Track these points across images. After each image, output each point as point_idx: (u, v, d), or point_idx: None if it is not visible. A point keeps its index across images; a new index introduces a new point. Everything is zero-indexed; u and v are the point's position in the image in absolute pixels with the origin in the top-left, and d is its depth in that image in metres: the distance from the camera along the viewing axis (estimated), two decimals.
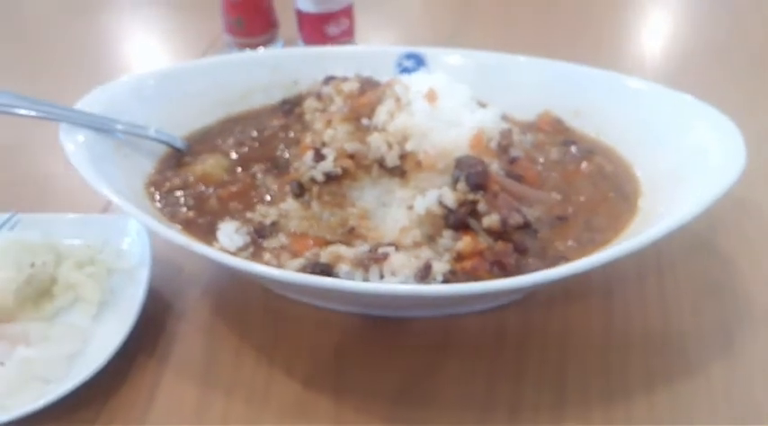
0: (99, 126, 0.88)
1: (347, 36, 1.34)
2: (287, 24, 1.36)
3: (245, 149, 0.95)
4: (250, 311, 0.85)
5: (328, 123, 0.84)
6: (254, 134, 0.97)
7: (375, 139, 0.81)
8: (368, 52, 1.07)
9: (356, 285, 0.69)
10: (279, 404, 0.74)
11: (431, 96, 0.83)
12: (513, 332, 0.80)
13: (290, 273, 0.70)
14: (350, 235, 0.80)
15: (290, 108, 1.01)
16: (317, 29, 1.32)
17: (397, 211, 0.81)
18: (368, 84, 0.90)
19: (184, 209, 0.85)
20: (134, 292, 0.81)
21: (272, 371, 0.78)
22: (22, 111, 0.86)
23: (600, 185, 0.86)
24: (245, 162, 0.93)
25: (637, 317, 0.81)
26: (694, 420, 0.71)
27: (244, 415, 0.73)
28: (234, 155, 0.94)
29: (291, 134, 0.96)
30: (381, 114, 0.83)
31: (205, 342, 0.81)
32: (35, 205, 0.98)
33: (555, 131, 0.95)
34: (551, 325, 0.81)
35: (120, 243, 0.89)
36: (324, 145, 0.83)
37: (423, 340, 0.80)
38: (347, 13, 1.31)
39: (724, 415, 0.71)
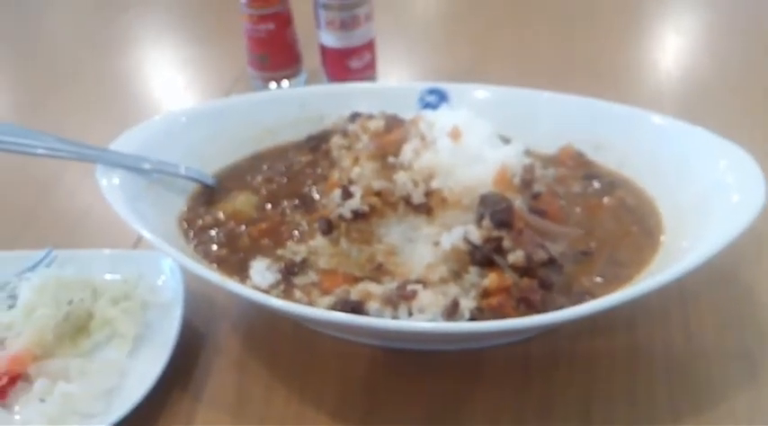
0: (132, 165, 0.91)
1: (369, 69, 1.37)
2: (310, 57, 1.39)
3: (274, 186, 0.97)
4: (280, 345, 0.87)
5: (355, 161, 0.87)
6: (282, 170, 1.00)
7: (401, 177, 0.83)
8: (391, 88, 1.10)
9: (387, 323, 0.71)
10: None
11: (455, 134, 0.85)
12: (538, 363, 0.82)
13: (321, 311, 0.73)
14: (378, 272, 0.82)
15: (317, 144, 1.03)
16: (339, 62, 1.34)
17: (424, 247, 0.82)
18: (393, 122, 0.92)
19: (216, 247, 0.88)
20: (168, 327, 0.83)
21: (303, 404, 0.80)
22: (61, 154, 0.88)
23: (623, 219, 0.88)
24: (273, 198, 0.95)
25: (661, 348, 0.83)
26: None
27: None
28: (263, 192, 0.96)
29: (319, 170, 0.98)
30: (407, 152, 0.85)
31: (237, 376, 0.83)
32: (70, 241, 1.00)
33: (577, 165, 0.97)
34: (577, 357, 0.82)
35: (154, 278, 0.91)
36: (351, 182, 0.85)
37: (449, 372, 0.81)
38: (369, 47, 1.34)
39: None
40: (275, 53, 1.38)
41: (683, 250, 0.76)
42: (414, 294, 0.75)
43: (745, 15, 1.60)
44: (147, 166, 0.92)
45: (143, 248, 1.00)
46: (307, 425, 0.78)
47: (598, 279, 0.80)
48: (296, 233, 0.89)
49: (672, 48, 1.51)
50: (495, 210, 0.78)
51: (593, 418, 0.76)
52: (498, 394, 0.79)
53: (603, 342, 0.83)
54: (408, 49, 1.59)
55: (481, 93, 1.06)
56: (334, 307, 0.75)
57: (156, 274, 0.92)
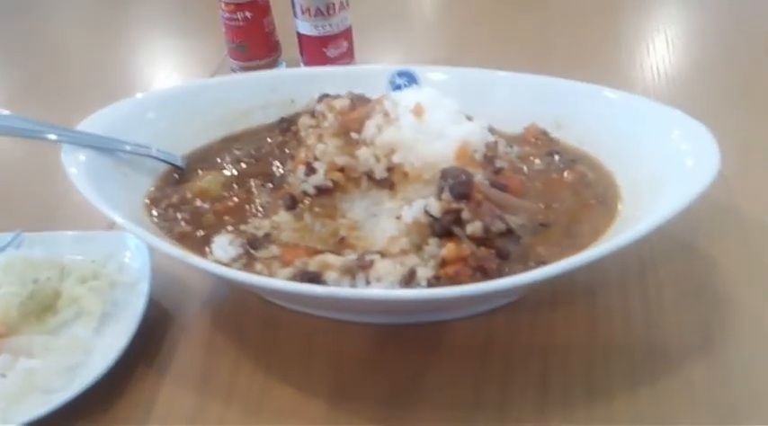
0: (100, 146, 0.91)
1: (347, 57, 1.38)
2: (289, 46, 1.40)
3: (242, 166, 0.98)
4: (247, 322, 0.87)
5: (319, 138, 0.88)
6: (252, 151, 1.00)
7: (363, 153, 0.84)
8: (362, 71, 1.11)
9: (341, 291, 0.72)
10: (274, 410, 0.77)
11: (418, 110, 0.86)
12: (500, 336, 0.82)
13: (278, 281, 0.73)
14: (340, 245, 0.83)
15: (287, 126, 1.04)
16: (317, 51, 1.35)
17: (386, 221, 0.83)
18: (359, 101, 0.93)
19: (182, 224, 0.88)
20: (135, 305, 0.84)
21: (269, 379, 0.80)
22: (26, 134, 0.89)
23: (582, 193, 0.88)
24: (242, 178, 0.96)
25: (620, 319, 0.83)
26: (676, 419, 0.72)
27: (240, 421, 0.76)
28: (231, 172, 0.97)
29: (287, 151, 0.98)
30: (370, 128, 0.86)
31: (204, 353, 0.84)
32: (41, 224, 1.01)
33: (541, 143, 0.97)
34: (537, 329, 0.83)
35: (122, 258, 0.92)
36: (315, 159, 0.86)
37: (413, 345, 0.82)
38: (346, 35, 1.35)
39: (705, 414, 0.72)
40: (253, 42, 1.39)
41: (638, 219, 0.77)
42: (371, 263, 0.76)
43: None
44: (119, 147, 0.93)
45: (117, 231, 1.00)
46: (272, 400, 0.78)
47: (555, 249, 0.80)
48: (260, 209, 0.90)
49: (651, 34, 1.52)
50: (454, 183, 0.78)
51: (550, 387, 0.76)
52: (460, 364, 0.80)
53: (563, 313, 0.84)
54: (387, 39, 1.60)
55: (450, 75, 1.06)
56: (292, 278, 0.76)
57: (125, 254, 0.92)
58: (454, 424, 0.74)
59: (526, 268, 0.76)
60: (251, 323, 0.87)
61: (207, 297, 0.91)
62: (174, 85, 1.12)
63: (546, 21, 1.60)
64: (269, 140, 1.02)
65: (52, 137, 0.90)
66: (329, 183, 0.84)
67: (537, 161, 0.94)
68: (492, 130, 0.93)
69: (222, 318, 0.89)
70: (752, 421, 0.71)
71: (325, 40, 1.33)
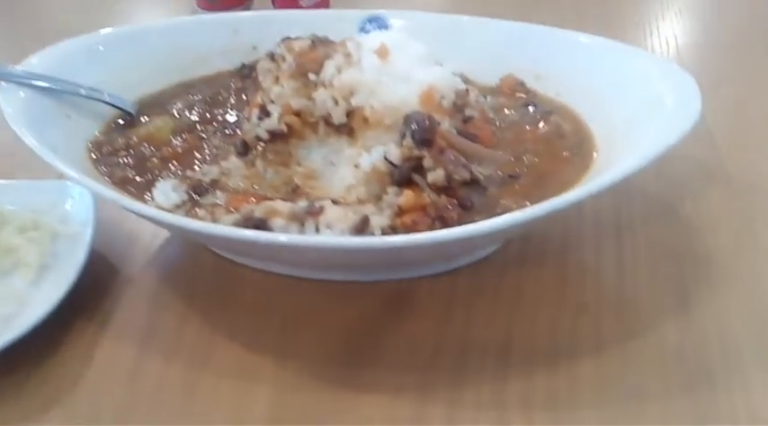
0: (42, 85, 0.85)
1: (322, 8, 1.32)
2: None
3: (196, 112, 0.92)
4: (197, 278, 0.82)
5: (276, 80, 0.82)
6: (208, 98, 0.95)
7: (321, 95, 0.78)
8: (330, 15, 1.06)
9: (284, 238, 0.67)
10: (219, 368, 0.71)
11: (382, 51, 0.80)
12: (462, 295, 0.77)
13: (216, 227, 0.67)
14: (294, 194, 0.78)
15: (249, 72, 0.98)
16: (290, 1, 1.29)
17: (345, 170, 0.78)
18: (321, 43, 0.87)
19: (125, 169, 0.83)
20: (77, 256, 0.79)
21: (216, 336, 0.75)
22: None
23: (555, 145, 0.83)
24: (194, 125, 0.90)
25: (591, 281, 0.79)
26: (643, 379, 0.68)
27: (181, 378, 0.71)
28: (183, 119, 0.91)
29: (244, 97, 0.93)
30: (329, 69, 0.80)
31: (149, 308, 0.79)
32: None
33: (517, 94, 0.93)
34: (503, 288, 0.78)
35: (64, 208, 0.86)
36: (271, 102, 0.80)
37: (369, 303, 0.77)
38: None
39: (677, 378, 0.68)
40: None
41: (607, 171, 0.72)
42: (321, 210, 0.70)
43: None
44: (62, 88, 0.87)
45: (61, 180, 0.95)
46: (218, 357, 0.73)
47: (523, 202, 0.75)
48: (210, 156, 0.84)
49: None
50: (417, 128, 0.73)
51: (512, 351, 0.71)
52: (419, 325, 0.75)
53: (532, 274, 0.79)
54: None
55: (425, 19, 1.01)
56: (236, 225, 0.70)
57: (68, 204, 0.87)
58: (409, 389, 0.68)
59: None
60: (200, 279, 0.82)
61: (155, 251, 0.86)
62: (129, 26, 1.05)
63: None
64: (230, 85, 0.97)
65: None
66: (283, 128, 0.79)
67: (511, 112, 0.90)
68: (466, 80, 0.88)
69: (170, 273, 0.84)
70: (727, 385, 0.67)
71: None
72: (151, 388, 0.70)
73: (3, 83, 0.83)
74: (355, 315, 0.76)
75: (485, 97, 0.91)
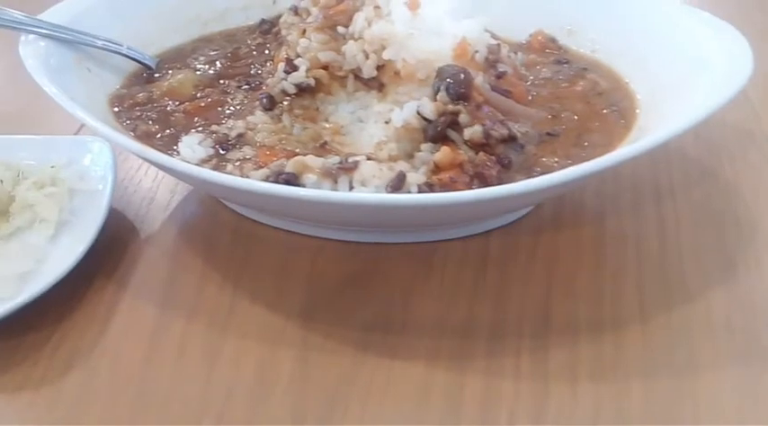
0: (63, 37, 0.83)
1: None
2: None
3: (218, 66, 0.90)
4: (218, 236, 0.80)
5: (302, 33, 0.79)
6: (228, 53, 0.92)
7: (350, 48, 0.76)
8: None
9: (319, 194, 0.63)
10: (240, 329, 0.69)
11: (412, 4, 0.77)
12: (496, 258, 0.75)
13: (246, 181, 0.64)
14: (322, 150, 0.75)
15: (269, 27, 0.96)
16: None
17: (374, 126, 0.76)
18: None
19: (148, 123, 0.80)
20: (95, 213, 0.76)
21: (236, 295, 0.72)
22: None
23: (593, 102, 0.81)
24: (216, 79, 0.88)
25: (632, 246, 0.76)
26: (693, 348, 0.65)
27: (203, 337, 0.68)
28: (204, 72, 0.89)
29: (267, 52, 0.90)
30: (358, 21, 0.77)
31: (168, 267, 0.77)
32: (1, 128, 0.93)
33: (548, 51, 0.90)
34: (538, 252, 0.75)
35: (83, 164, 0.84)
36: (297, 56, 0.78)
37: (400, 266, 0.74)
38: None
39: (724, 344, 0.65)
40: None
41: (658, 128, 0.68)
42: (355, 165, 0.67)
43: None
44: (82, 40, 0.85)
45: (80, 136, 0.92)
46: (239, 318, 0.70)
47: (563, 160, 0.72)
48: (235, 110, 0.81)
49: None
50: (452, 82, 0.70)
51: (552, 317, 0.68)
52: (450, 290, 0.72)
53: (568, 237, 0.76)
54: None
55: None
56: (266, 180, 0.68)
57: (87, 161, 0.84)
58: (440, 355, 0.66)
59: (530, 178, 0.67)
60: (221, 238, 0.79)
61: (174, 209, 0.84)
62: None
63: None
64: (248, 42, 0.94)
65: (11, 23, 0.82)
66: (311, 81, 0.76)
67: (544, 70, 0.87)
68: (494, 37, 0.84)
69: (190, 231, 0.81)
70: None
71: None
72: (172, 350, 0.67)
73: (23, 35, 0.80)
74: (382, 278, 0.73)
75: (515, 53, 0.87)
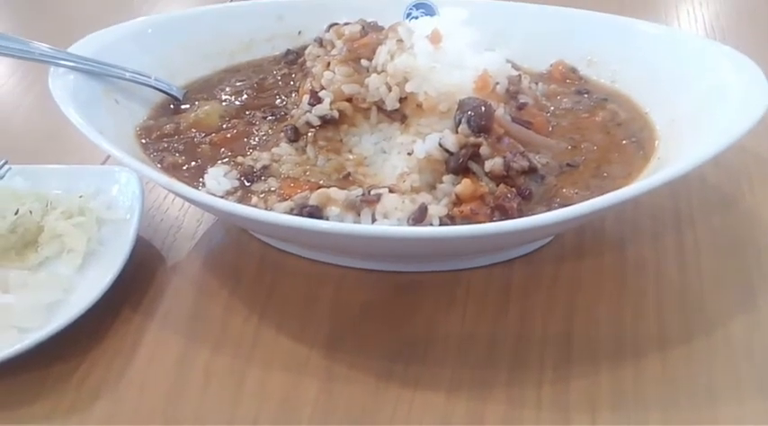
0: (91, 70, 0.85)
1: None
2: None
3: (244, 97, 0.91)
4: (244, 266, 0.81)
5: (327, 65, 0.80)
6: (255, 84, 0.93)
7: (374, 80, 0.77)
8: (376, 1, 1.02)
9: (343, 227, 0.65)
10: (266, 359, 0.70)
11: (435, 37, 0.78)
12: (518, 287, 0.75)
13: (271, 214, 0.66)
14: (345, 182, 0.76)
15: (294, 58, 0.97)
16: None
17: (397, 158, 0.77)
18: (371, 28, 0.85)
19: (174, 155, 0.81)
20: (123, 243, 0.77)
21: (262, 326, 0.73)
22: (11, 52, 0.83)
23: (613, 133, 0.81)
24: (242, 110, 0.89)
25: (652, 274, 0.76)
26: (712, 378, 0.65)
27: (229, 369, 0.69)
28: (230, 103, 0.90)
29: (292, 83, 0.92)
30: (381, 55, 0.79)
31: (194, 296, 0.78)
32: (29, 157, 0.94)
33: (569, 81, 0.91)
34: (560, 281, 0.76)
35: (111, 194, 0.85)
36: (321, 88, 0.79)
37: (423, 295, 0.75)
38: None
39: (745, 374, 0.65)
40: None
41: (677, 159, 0.69)
42: (377, 198, 0.68)
43: None
44: (110, 72, 0.87)
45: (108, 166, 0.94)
46: (265, 348, 0.71)
47: (582, 192, 0.73)
48: (260, 142, 0.83)
49: None
50: (473, 114, 0.71)
51: (574, 344, 0.69)
52: (474, 318, 0.72)
53: (589, 269, 0.77)
54: None
55: (471, 6, 0.97)
56: (290, 212, 0.69)
57: (115, 190, 0.86)
58: (462, 385, 0.66)
59: (550, 210, 0.68)
60: (246, 267, 0.80)
61: (200, 239, 0.85)
62: (174, 11, 1.04)
63: None
64: (273, 72, 0.95)
65: (40, 57, 0.84)
66: (335, 114, 0.77)
67: (564, 100, 0.87)
68: (515, 67, 0.86)
69: (216, 261, 0.82)
70: None
71: None
72: (198, 380, 0.68)
73: (53, 67, 0.82)
74: (405, 308, 0.74)
75: (536, 83, 0.88)
